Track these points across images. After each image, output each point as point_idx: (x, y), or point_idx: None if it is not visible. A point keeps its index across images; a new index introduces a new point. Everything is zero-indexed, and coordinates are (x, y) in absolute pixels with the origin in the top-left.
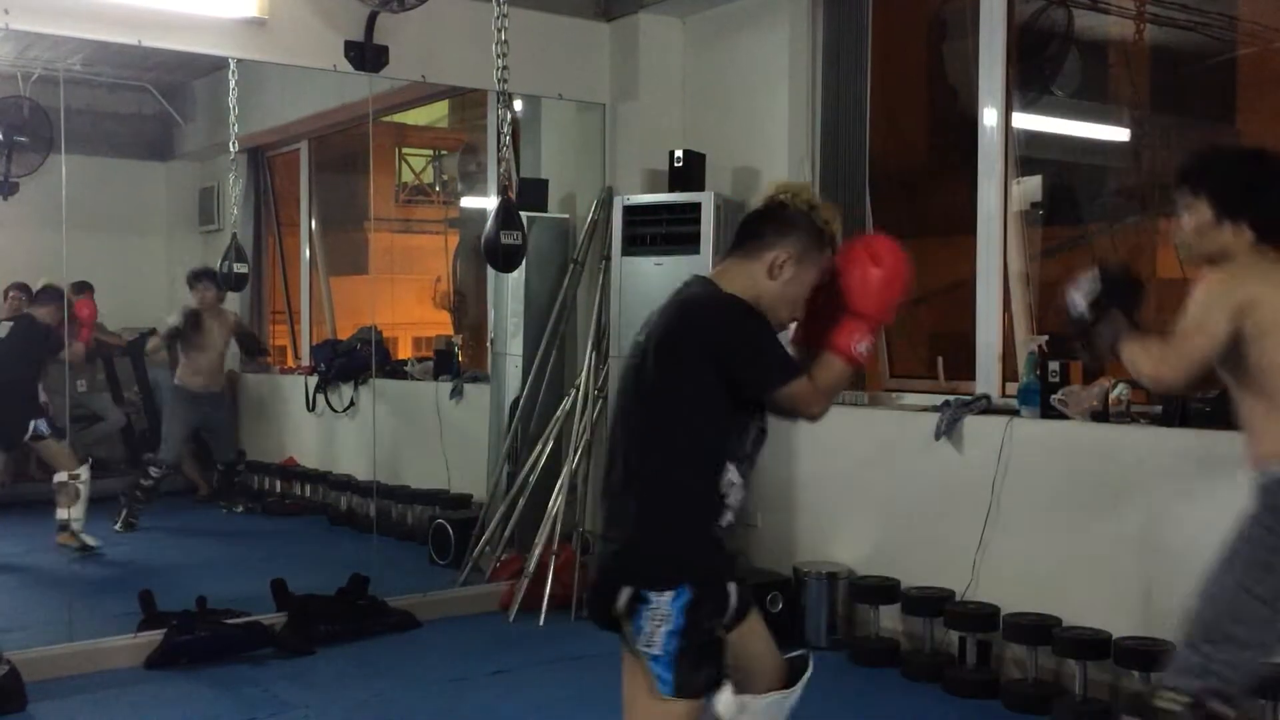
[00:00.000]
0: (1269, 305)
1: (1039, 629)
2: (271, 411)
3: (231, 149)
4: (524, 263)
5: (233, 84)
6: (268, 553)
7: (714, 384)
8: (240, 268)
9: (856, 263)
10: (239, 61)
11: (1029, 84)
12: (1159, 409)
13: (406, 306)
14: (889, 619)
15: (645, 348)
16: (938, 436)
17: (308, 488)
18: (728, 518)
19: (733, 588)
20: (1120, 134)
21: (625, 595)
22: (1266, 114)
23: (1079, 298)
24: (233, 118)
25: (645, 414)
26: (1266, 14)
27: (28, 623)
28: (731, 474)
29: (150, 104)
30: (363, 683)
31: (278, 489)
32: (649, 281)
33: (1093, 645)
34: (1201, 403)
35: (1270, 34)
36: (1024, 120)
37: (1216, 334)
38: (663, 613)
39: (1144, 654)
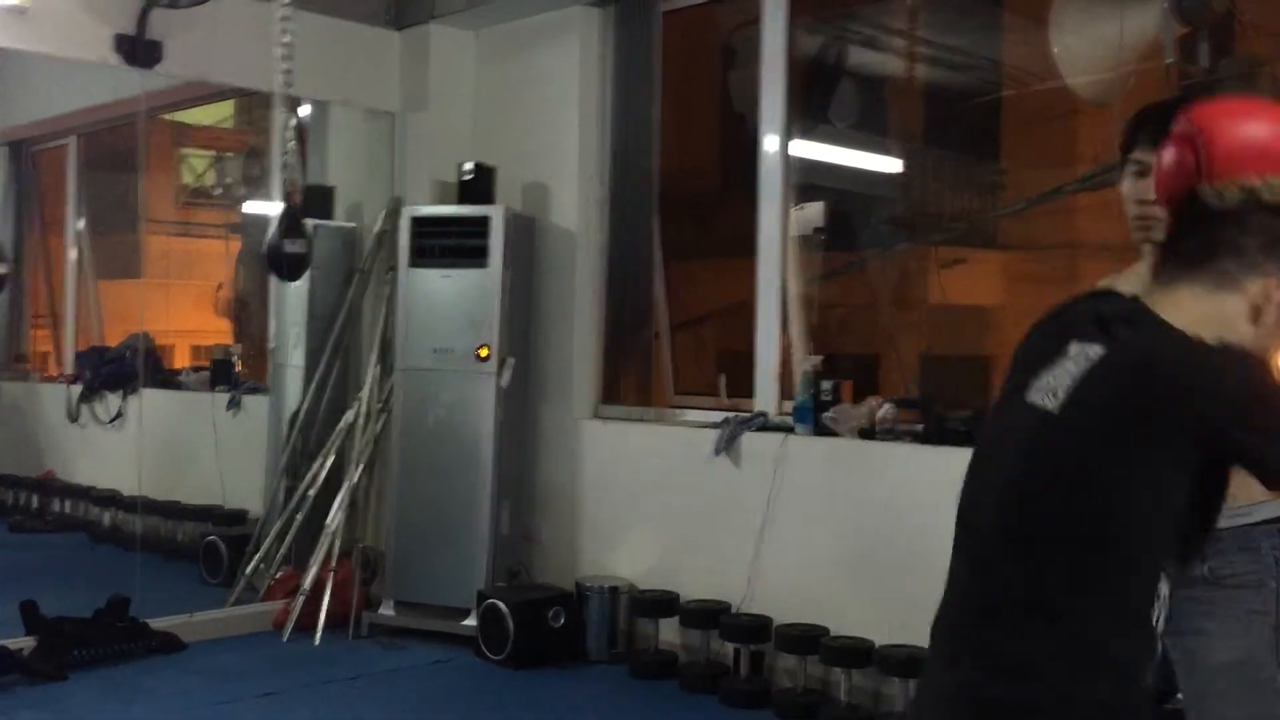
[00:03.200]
0: None
1: (807, 639)
2: (29, 421)
3: None
4: (308, 271)
5: None
6: (19, 573)
7: (1179, 470)
8: None
9: None
10: None
11: (809, 114)
12: (920, 427)
13: (184, 313)
14: (669, 632)
15: (1066, 411)
16: (716, 452)
17: (68, 503)
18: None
19: None
20: (894, 165)
21: None
22: (1028, 152)
23: None
24: None
25: (1063, 511)
26: (1027, 59)
27: None
28: (1162, 588)
29: None
30: (118, 709)
31: (34, 504)
32: (437, 294)
33: (856, 654)
34: (959, 421)
35: (1031, 78)
36: (805, 148)
37: None
38: None
39: (904, 662)
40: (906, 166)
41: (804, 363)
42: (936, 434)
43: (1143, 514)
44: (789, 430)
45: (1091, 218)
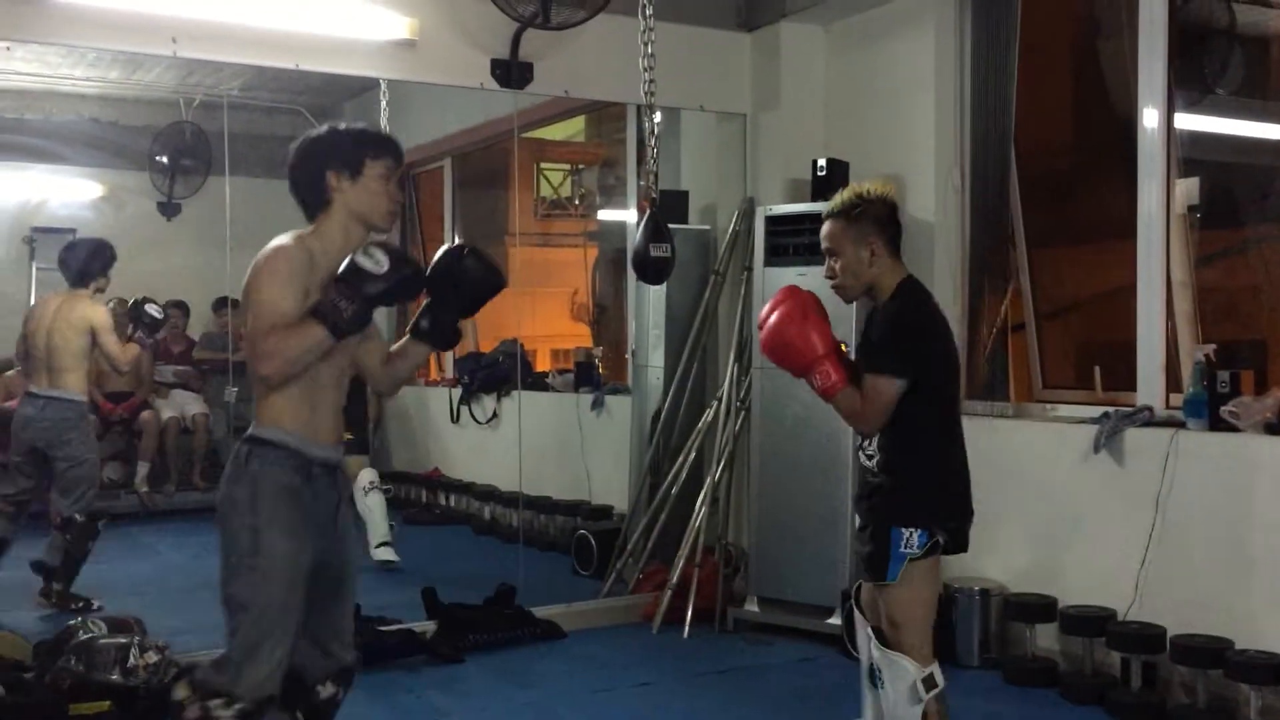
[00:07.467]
0: None
1: (1210, 651)
2: (417, 423)
3: None
4: None
5: (384, 104)
6: (414, 562)
7: None
8: None
9: None
10: (389, 82)
11: (1189, 82)
12: None
13: (546, 319)
14: (1045, 638)
15: None
16: (1097, 449)
17: (452, 498)
18: None
19: None
20: None
21: None
22: None
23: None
24: None
25: None
26: None
27: (200, 625)
28: None
29: (304, 126)
30: (512, 692)
31: (423, 499)
32: None
33: (1268, 669)
34: None
35: None
36: (1183, 120)
37: None
38: None
39: None
40: None
41: (1195, 352)
42: None
43: None
44: (1179, 425)
45: None
